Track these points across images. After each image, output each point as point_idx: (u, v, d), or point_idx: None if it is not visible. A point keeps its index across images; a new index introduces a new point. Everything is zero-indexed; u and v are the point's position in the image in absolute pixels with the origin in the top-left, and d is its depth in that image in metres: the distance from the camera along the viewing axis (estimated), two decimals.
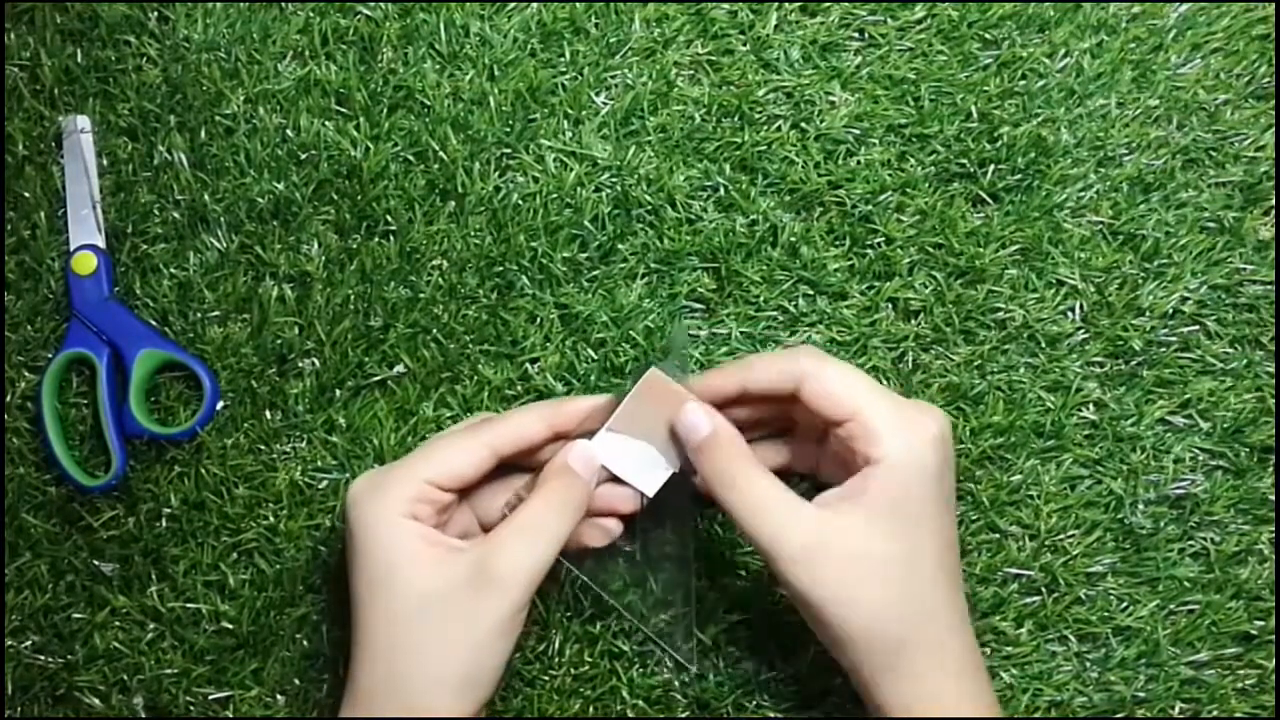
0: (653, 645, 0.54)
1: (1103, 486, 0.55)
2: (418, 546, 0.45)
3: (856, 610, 0.44)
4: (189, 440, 0.56)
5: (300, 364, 0.56)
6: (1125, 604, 0.55)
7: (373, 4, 0.58)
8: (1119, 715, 0.54)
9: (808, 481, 0.53)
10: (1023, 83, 0.58)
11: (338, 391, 0.56)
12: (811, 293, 0.56)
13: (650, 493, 0.49)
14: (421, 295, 0.56)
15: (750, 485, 0.46)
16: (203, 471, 0.55)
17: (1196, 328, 0.56)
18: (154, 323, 0.57)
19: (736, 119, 0.57)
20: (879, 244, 0.56)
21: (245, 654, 0.55)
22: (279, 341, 0.56)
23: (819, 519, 0.45)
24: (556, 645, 0.54)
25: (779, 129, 0.57)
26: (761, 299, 0.56)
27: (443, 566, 0.45)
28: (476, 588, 0.44)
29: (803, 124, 0.57)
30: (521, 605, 0.45)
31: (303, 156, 0.57)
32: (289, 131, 0.57)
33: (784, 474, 0.50)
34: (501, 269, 0.56)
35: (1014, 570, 0.55)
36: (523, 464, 0.50)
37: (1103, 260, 0.56)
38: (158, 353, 0.56)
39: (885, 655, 0.44)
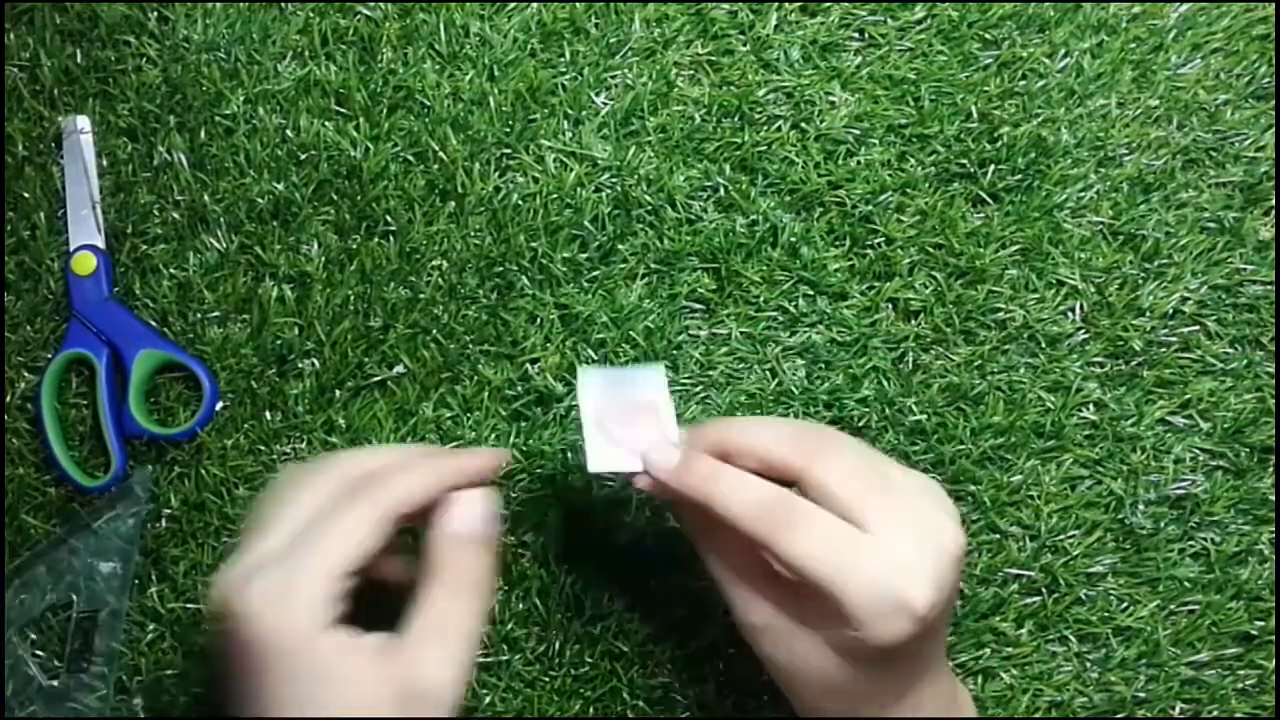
0: None
1: (1103, 487, 0.55)
2: (346, 665, 0.38)
3: (828, 701, 0.42)
4: (189, 441, 0.56)
5: (300, 364, 0.56)
6: (1125, 604, 0.55)
7: (373, 4, 0.58)
8: (1119, 715, 0.54)
9: None
10: (1023, 83, 0.58)
11: (338, 392, 0.56)
12: (811, 293, 0.56)
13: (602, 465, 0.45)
14: (421, 295, 0.56)
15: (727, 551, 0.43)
16: (203, 472, 0.55)
17: (1196, 328, 0.56)
18: (154, 323, 0.57)
19: (736, 119, 0.57)
20: (879, 244, 0.56)
21: None
22: (279, 342, 0.56)
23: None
24: (557, 646, 0.54)
25: (779, 129, 0.57)
26: (761, 299, 0.56)
27: (372, 686, 0.38)
28: (406, 707, 0.39)
29: (803, 124, 0.57)
30: (455, 709, 0.39)
31: (303, 156, 0.57)
32: (289, 132, 0.57)
33: None
34: (501, 269, 0.56)
35: (1014, 570, 0.55)
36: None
37: (1103, 260, 0.56)
38: (157, 353, 0.56)
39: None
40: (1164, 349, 0.56)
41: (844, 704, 0.42)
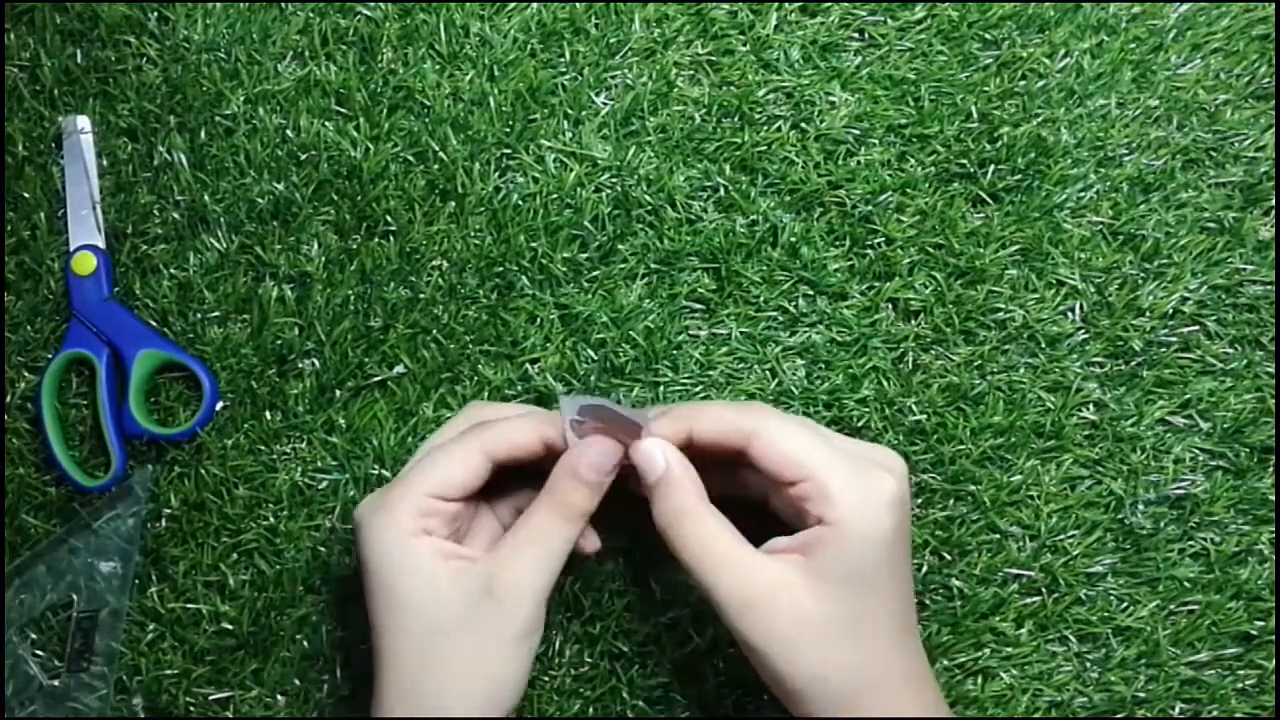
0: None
1: (1103, 486, 0.55)
2: (432, 564, 0.45)
3: (804, 666, 0.43)
4: (188, 441, 0.56)
5: (300, 364, 0.56)
6: (1125, 604, 0.55)
7: (373, 4, 0.58)
8: (1119, 715, 0.54)
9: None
10: (1023, 83, 0.58)
11: (338, 392, 0.56)
12: (811, 293, 0.56)
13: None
14: (421, 295, 0.56)
15: (700, 531, 0.45)
16: (203, 472, 0.55)
17: (1196, 328, 0.56)
18: (154, 323, 0.57)
19: (736, 119, 0.57)
20: (879, 244, 0.56)
21: (245, 654, 0.55)
22: (279, 342, 0.56)
23: (769, 572, 0.43)
24: (556, 646, 0.54)
25: (779, 129, 0.57)
26: (761, 299, 0.56)
27: (456, 583, 0.44)
28: (487, 603, 0.44)
29: (803, 124, 0.57)
30: (533, 616, 0.45)
31: (303, 157, 0.57)
32: (289, 132, 0.57)
33: (735, 502, 0.48)
34: (501, 269, 0.56)
35: (1014, 570, 0.55)
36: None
37: (1103, 260, 0.56)
38: (157, 353, 0.56)
39: (835, 708, 0.43)
40: (1164, 349, 0.56)
41: (845, 677, 0.43)
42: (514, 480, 0.49)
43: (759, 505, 0.49)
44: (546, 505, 0.46)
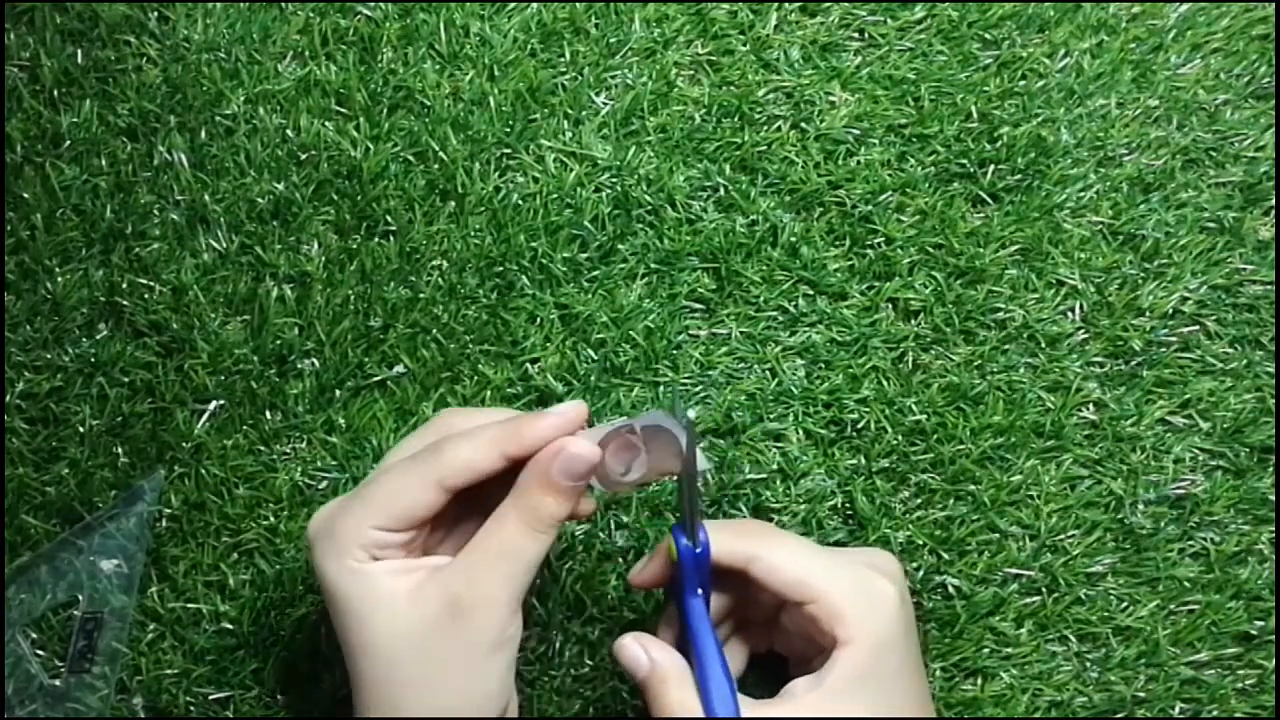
0: None
1: (1103, 486, 0.55)
2: (389, 584, 0.43)
3: None
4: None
5: (300, 364, 0.56)
6: (1125, 604, 0.55)
7: (373, 4, 0.58)
8: (1119, 715, 0.54)
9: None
10: (1023, 83, 0.58)
11: (338, 392, 0.56)
12: (811, 293, 0.56)
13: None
14: (421, 295, 0.56)
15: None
16: (203, 472, 0.55)
17: (1196, 328, 0.56)
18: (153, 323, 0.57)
19: (736, 119, 0.57)
20: (879, 244, 0.56)
21: (245, 654, 0.55)
22: (279, 342, 0.56)
23: None
24: (556, 646, 0.54)
25: (779, 129, 0.57)
26: (761, 299, 0.56)
27: (416, 603, 0.43)
28: (452, 619, 0.42)
29: (803, 124, 0.57)
30: (504, 626, 0.43)
31: (303, 156, 0.57)
32: (289, 131, 0.57)
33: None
34: (501, 269, 0.56)
35: (1014, 570, 0.55)
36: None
37: (1103, 260, 0.56)
38: None
39: None
40: (1164, 349, 0.56)
41: None
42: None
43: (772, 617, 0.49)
44: (516, 514, 0.44)
